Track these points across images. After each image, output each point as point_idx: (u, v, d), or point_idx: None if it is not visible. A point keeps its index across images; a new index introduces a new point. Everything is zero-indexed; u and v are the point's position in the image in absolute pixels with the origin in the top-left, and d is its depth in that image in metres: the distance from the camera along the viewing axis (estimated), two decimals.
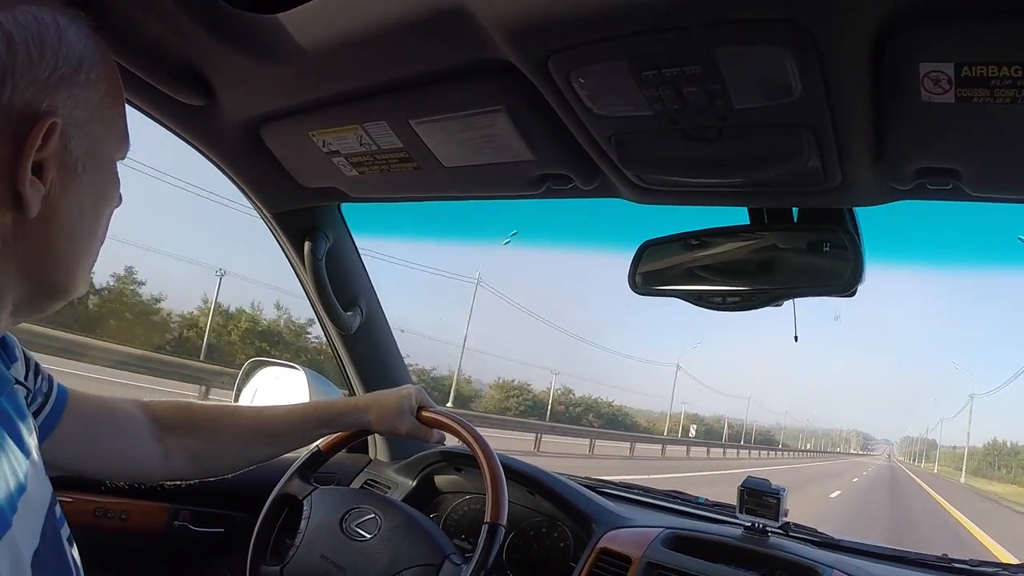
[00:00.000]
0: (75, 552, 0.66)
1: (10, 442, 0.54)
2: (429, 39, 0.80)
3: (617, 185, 0.98)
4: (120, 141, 0.67)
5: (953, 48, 0.60)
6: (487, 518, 0.99)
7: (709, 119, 0.76)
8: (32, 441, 0.60)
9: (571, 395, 48.09)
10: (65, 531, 0.66)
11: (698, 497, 1.48)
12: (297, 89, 0.99)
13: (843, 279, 0.88)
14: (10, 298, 0.59)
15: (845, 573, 1.04)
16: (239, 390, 1.67)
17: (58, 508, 0.67)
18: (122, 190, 0.70)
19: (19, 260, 0.58)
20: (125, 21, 0.87)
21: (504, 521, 0.99)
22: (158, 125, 1.11)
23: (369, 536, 1.05)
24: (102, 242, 0.68)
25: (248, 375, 1.69)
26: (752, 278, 0.97)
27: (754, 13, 0.62)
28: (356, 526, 1.07)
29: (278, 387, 1.64)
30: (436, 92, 0.90)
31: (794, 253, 0.95)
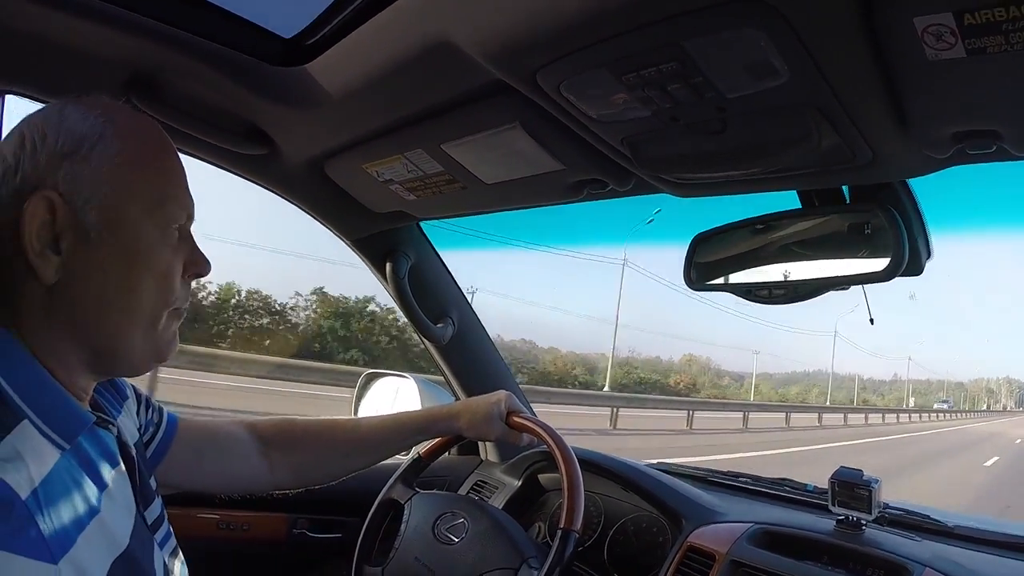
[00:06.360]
0: (174, 563, 0.77)
1: (86, 477, 0.63)
2: (432, 71, 0.84)
3: (653, 183, 0.96)
4: (153, 205, 0.67)
5: None
6: (561, 523, 1.00)
7: (707, 112, 0.73)
8: (113, 473, 0.68)
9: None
10: (168, 547, 0.77)
11: (807, 484, 1.39)
12: (340, 128, 1.07)
13: (901, 258, 0.80)
14: (78, 361, 0.66)
15: (940, 572, 0.94)
16: (357, 402, 1.80)
17: (163, 527, 0.78)
18: None
19: (64, 325, 0.64)
20: (183, 97, 1.00)
21: (578, 527, 1.00)
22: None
23: (457, 540, 1.11)
24: (163, 306, 0.69)
25: (364, 387, 1.82)
26: (804, 265, 0.91)
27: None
28: (446, 530, 1.13)
29: (392, 396, 1.75)
30: (458, 116, 0.94)
31: (846, 235, 0.88)
